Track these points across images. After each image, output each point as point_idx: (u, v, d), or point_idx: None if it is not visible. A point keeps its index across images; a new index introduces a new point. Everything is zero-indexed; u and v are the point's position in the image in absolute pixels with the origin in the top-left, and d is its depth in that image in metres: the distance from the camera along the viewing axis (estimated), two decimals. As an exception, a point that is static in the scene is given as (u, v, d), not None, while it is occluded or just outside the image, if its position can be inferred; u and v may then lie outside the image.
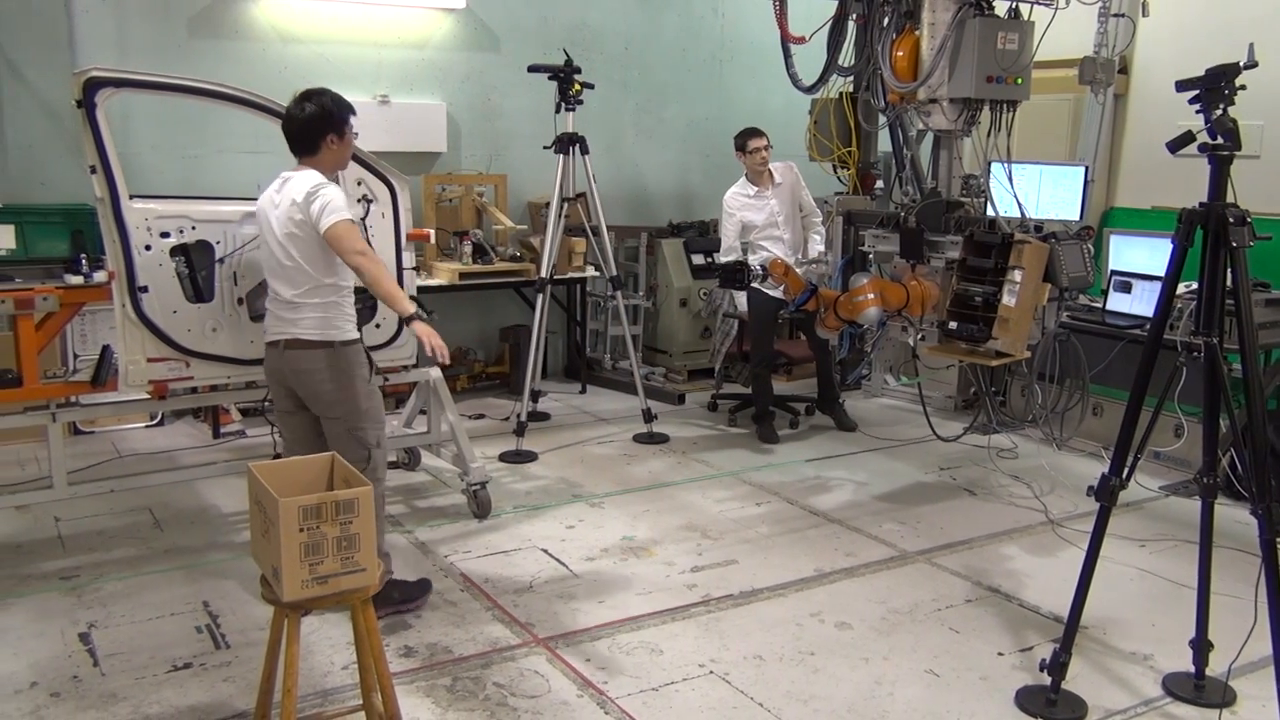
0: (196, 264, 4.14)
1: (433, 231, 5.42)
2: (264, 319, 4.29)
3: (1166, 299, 3.14)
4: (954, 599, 4.07)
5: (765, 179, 6.00)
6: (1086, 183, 5.88)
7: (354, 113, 3.68)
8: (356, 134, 3.71)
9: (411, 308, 3.53)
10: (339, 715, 3.08)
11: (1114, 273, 5.78)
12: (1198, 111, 3.04)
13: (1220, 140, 2.98)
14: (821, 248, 5.96)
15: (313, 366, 3.61)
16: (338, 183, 3.65)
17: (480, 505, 4.81)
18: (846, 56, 5.20)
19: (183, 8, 6.13)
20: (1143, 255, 5.70)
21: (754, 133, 5.98)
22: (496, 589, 4.08)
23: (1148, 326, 3.50)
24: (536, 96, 6.52)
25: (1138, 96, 6.47)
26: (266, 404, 4.32)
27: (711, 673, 3.47)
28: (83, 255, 5.10)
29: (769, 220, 5.99)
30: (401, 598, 3.80)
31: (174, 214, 4.14)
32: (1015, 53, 4.38)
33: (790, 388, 7.05)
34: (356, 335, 3.69)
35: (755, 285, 5.55)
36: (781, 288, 5.17)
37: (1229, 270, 3.03)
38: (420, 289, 5.04)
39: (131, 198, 4.04)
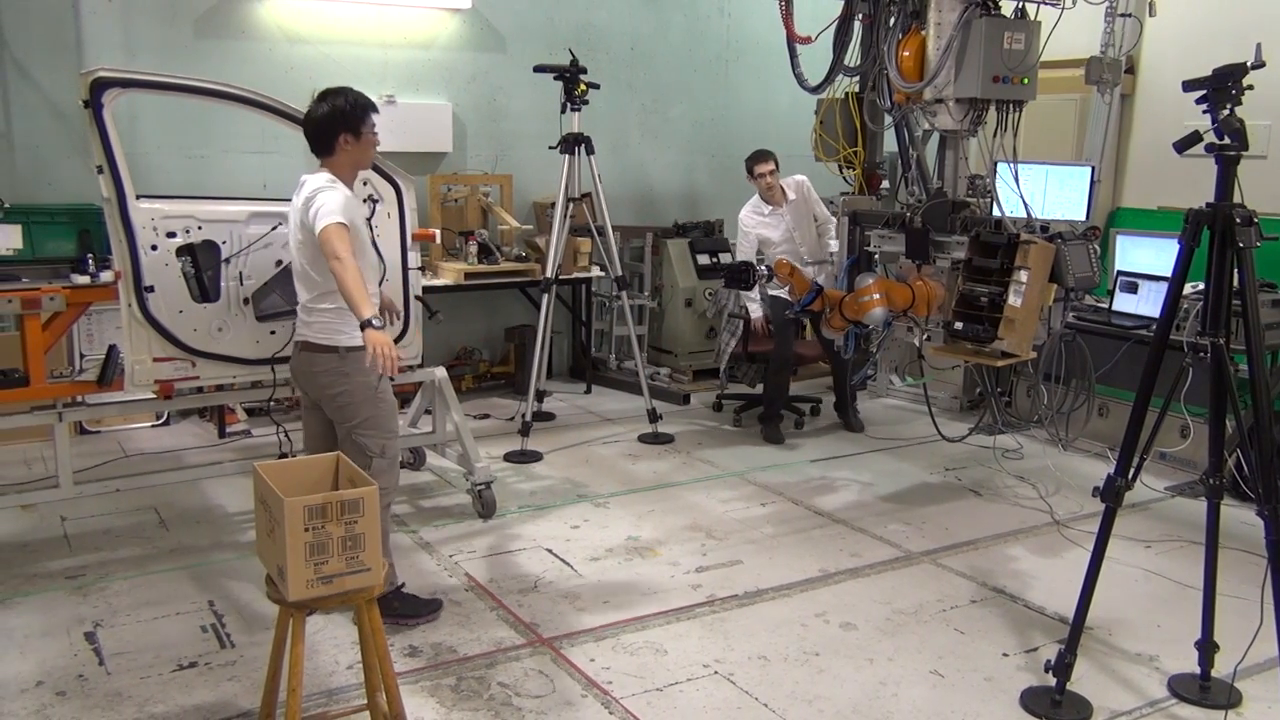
0: (202, 264, 4.16)
1: (438, 231, 5.42)
2: (270, 319, 4.31)
3: (1173, 299, 3.13)
4: (959, 600, 4.06)
5: (778, 197, 6.07)
6: (1093, 183, 5.87)
7: (375, 110, 3.61)
8: (376, 133, 3.63)
9: (369, 313, 3.29)
10: (344, 715, 3.08)
11: (1120, 273, 5.77)
12: (1205, 111, 3.03)
13: (1227, 140, 2.97)
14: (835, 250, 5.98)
15: (318, 369, 3.62)
16: (351, 184, 3.61)
17: (485, 505, 4.81)
18: (852, 56, 5.18)
19: (189, 8, 6.14)
20: (1149, 256, 5.69)
21: (760, 157, 6.02)
22: (501, 589, 4.09)
23: (1154, 327, 3.49)
24: (542, 97, 6.52)
25: (1144, 96, 6.45)
26: (272, 404, 4.32)
27: (716, 673, 3.47)
28: (89, 255, 5.11)
29: (785, 236, 6.07)
30: (403, 610, 3.75)
31: (180, 214, 4.16)
32: (1021, 53, 4.36)
33: (796, 388, 7.03)
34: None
35: (773, 292, 5.58)
36: (787, 288, 5.17)
37: (1235, 271, 3.03)
38: (426, 289, 5.04)
39: (138, 198, 4.06)
